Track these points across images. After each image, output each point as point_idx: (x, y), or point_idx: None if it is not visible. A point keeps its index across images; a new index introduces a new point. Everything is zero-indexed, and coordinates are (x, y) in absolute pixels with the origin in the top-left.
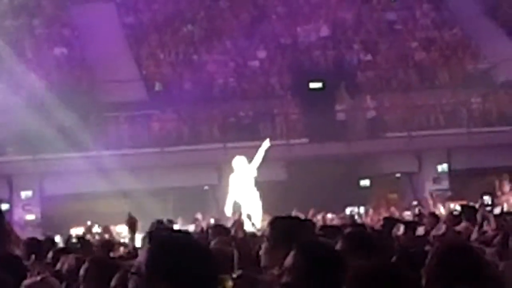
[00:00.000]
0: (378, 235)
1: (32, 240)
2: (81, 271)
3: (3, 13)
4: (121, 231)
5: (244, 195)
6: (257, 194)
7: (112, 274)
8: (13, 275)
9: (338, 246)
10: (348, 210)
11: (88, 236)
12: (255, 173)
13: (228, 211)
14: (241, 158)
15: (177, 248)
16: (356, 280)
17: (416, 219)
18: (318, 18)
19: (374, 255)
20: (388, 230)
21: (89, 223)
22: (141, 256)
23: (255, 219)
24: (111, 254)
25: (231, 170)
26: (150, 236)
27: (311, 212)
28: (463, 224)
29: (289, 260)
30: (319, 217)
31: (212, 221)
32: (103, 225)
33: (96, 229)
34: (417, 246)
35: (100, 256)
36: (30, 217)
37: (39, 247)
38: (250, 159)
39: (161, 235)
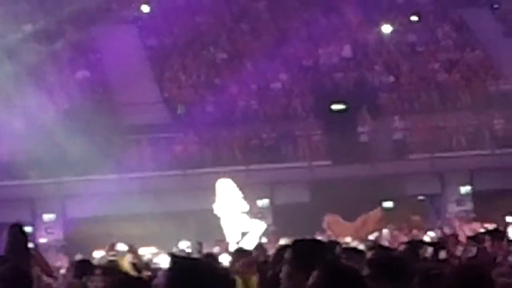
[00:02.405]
0: (402, 258)
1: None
2: None
3: (26, 37)
4: (143, 253)
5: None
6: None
7: None
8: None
9: (364, 271)
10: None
11: (111, 254)
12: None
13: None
14: (226, 181)
15: (197, 272)
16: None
17: (440, 241)
18: (340, 40)
19: (397, 279)
20: (412, 252)
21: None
22: (162, 277)
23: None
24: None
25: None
26: (171, 258)
27: (328, 233)
28: (488, 243)
29: (312, 279)
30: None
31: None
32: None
33: (122, 247)
34: (440, 269)
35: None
36: (53, 239)
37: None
38: (272, 180)
39: (182, 258)
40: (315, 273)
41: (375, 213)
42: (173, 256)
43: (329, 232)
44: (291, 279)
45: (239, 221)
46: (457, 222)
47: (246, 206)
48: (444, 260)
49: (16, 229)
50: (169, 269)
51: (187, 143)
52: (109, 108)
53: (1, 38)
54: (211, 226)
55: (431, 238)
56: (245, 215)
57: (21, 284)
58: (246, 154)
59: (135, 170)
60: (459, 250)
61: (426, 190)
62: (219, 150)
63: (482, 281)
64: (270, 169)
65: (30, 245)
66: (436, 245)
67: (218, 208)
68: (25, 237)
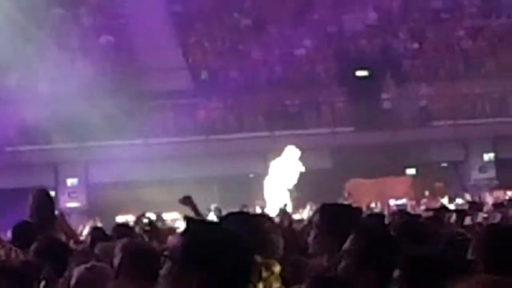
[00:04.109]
0: (427, 224)
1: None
2: (116, 260)
3: (50, 2)
4: (166, 219)
5: (284, 184)
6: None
7: (150, 261)
8: (55, 260)
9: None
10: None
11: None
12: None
13: (272, 199)
14: (292, 148)
15: (213, 236)
16: (411, 265)
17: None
18: (364, 6)
19: (422, 244)
20: (437, 218)
21: (141, 211)
22: (176, 240)
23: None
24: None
25: (276, 158)
26: (185, 221)
27: (350, 201)
28: None
29: (348, 244)
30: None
31: (257, 209)
32: (152, 212)
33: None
34: (465, 235)
35: (138, 244)
36: (76, 204)
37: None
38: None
39: (197, 221)
40: (352, 237)
41: (404, 180)
42: (187, 219)
43: (350, 200)
44: (319, 243)
45: (281, 189)
46: (482, 189)
47: (295, 178)
48: (469, 227)
49: (42, 194)
50: (183, 232)
51: (211, 109)
52: (133, 73)
53: (25, 3)
54: (234, 191)
55: (455, 205)
56: (288, 185)
57: (57, 255)
58: (270, 120)
59: (159, 135)
60: (481, 217)
61: (450, 157)
62: (243, 116)
63: (509, 243)
64: (293, 135)
65: (56, 211)
66: (460, 212)
67: (273, 171)
68: (51, 202)
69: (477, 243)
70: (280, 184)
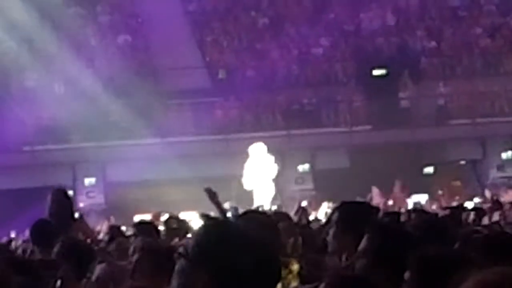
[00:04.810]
0: (444, 223)
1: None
2: (134, 258)
3: (67, 1)
4: (185, 218)
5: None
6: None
7: (166, 260)
8: (79, 262)
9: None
10: (412, 198)
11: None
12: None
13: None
14: (260, 145)
15: (225, 233)
16: (420, 266)
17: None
18: (382, 4)
19: (441, 242)
20: (454, 217)
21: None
22: (191, 238)
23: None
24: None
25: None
26: (202, 218)
27: (369, 196)
28: None
29: (363, 243)
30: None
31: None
32: (169, 212)
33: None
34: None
35: (153, 243)
36: (94, 204)
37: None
38: (312, 146)
39: (213, 219)
40: (366, 236)
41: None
42: (203, 216)
43: (369, 196)
44: (338, 241)
45: (266, 186)
46: (500, 188)
47: (274, 172)
48: (487, 226)
49: (61, 193)
50: (199, 229)
51: (228, 108)
52: (150, 72)
53: (42, 2)
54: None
55: (474, 203)
56: (272, 180)
57: (81, 257)
58: (287, 119)
59: (176, 134)
60: (497, 216)
61: (468, 155)
62: (260, 115)
63: (508, 249)
64: (310, 134)
65: (76, 214)
66: (478, 211)
67: (249, 172)
68: (69, 201)
69: (480, 248)
70: (260, 183)
